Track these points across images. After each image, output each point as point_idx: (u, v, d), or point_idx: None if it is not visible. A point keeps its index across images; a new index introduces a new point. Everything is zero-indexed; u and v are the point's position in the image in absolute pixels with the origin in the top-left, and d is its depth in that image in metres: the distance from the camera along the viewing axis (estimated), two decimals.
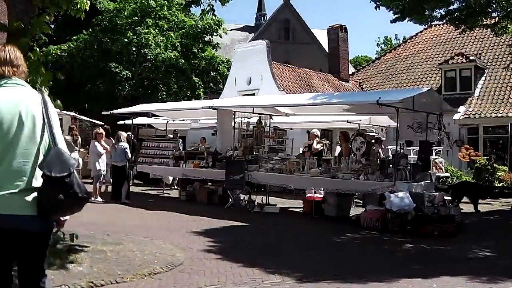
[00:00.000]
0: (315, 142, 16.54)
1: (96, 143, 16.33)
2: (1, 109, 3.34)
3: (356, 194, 14.34)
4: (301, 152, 17.09)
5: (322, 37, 43.81)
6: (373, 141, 15.41)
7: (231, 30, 49.45)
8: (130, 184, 16.85)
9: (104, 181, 16.98)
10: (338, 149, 16.98)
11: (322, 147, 16.88)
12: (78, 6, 8.50)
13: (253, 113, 17.15)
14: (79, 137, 18.53)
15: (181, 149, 20.55)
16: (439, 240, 10.67)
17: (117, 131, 16.75)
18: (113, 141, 16.38)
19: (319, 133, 17.41)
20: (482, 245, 10.30)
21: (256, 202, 15.23)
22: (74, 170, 3.41)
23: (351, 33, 52.64)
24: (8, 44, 4.08)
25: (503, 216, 14.98)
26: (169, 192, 19.16)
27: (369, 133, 17.65)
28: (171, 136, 21.00)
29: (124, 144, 15.90)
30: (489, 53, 29.32)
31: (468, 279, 7.34)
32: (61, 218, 3.66)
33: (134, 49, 31.20)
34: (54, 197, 3.35)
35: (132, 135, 19.75)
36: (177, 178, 19.42)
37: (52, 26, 33.16)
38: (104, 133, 17.07)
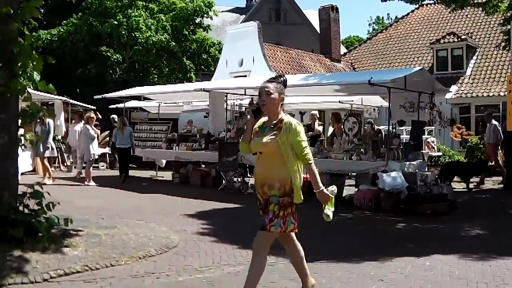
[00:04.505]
0: (316, 123, 16.59)
1: (88, 127, 16.34)
2: None
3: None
4: None
5: (314, 18, 43.64)
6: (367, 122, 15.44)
7: (222, 12, 49.14)
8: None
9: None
10: (330, 129, 17.00)
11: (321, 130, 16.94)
12: None
13: (245, 94, 17.12)
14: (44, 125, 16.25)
15: None
16: (431, 219, 10.74)
17: (120, 116, 17.15)
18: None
19: (318, 115, 17.47)
20: (474, 224, 10.38)
21: (249, 184, 15.26)
22: None
23: (343, 13, 52.51)
24: None
25: (495, 195, 15.05)
26: (162, 175, 19.16)
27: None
28: None
29: (129, 128, 17.09)
30: (480, 32, 29.34)
31: (460, 257, 7.41)
32: None
33: (124, 32, 31.00)
34: None
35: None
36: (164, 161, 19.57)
37: (42, 10, 32.90)
38: (95, 117, 17.16)
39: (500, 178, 16.74)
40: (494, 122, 17.05)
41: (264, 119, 5.26)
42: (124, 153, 17.11)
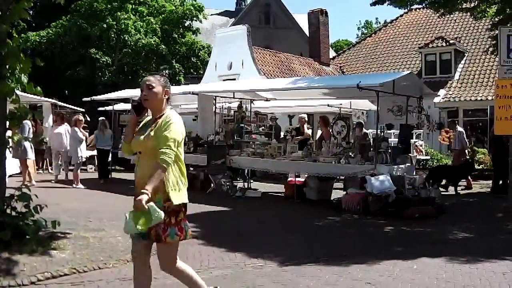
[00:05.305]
0: (305, 127, 16.63)
1: (76, 129, 16.28)
2: None
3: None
4: (287, 136, 17.09)
5: (303, 22, 43.73)
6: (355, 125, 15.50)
7: (211, 15, 49.16)
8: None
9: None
10: (319, 133, 17.06)
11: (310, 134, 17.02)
12: None
13: (234, 98, 17.12)
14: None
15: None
16: (419, 222, 10.78)
17: (103, 118, 17.44)
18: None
19: (307, 118, 17.54)
20: (461, 227, 10.44)
21: (238, 187, 15.26)
22: None
23: (332, 17, 52.75)
24: None
25: (483, 198, 15.14)
26: None
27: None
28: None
29: (110, 131, 17.58)
30: (468, 37, 29.52)
31: (447, 260, 7.45)
32: None
33: (113, 35, 30.95)
34: None
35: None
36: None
37: (31, 12, 32.79)
38: (83, 119, 17.13)
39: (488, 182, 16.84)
40: (459, 128, 17.18)
41: (150, 116, 4.70)
42: (105, 154, 17.67)
